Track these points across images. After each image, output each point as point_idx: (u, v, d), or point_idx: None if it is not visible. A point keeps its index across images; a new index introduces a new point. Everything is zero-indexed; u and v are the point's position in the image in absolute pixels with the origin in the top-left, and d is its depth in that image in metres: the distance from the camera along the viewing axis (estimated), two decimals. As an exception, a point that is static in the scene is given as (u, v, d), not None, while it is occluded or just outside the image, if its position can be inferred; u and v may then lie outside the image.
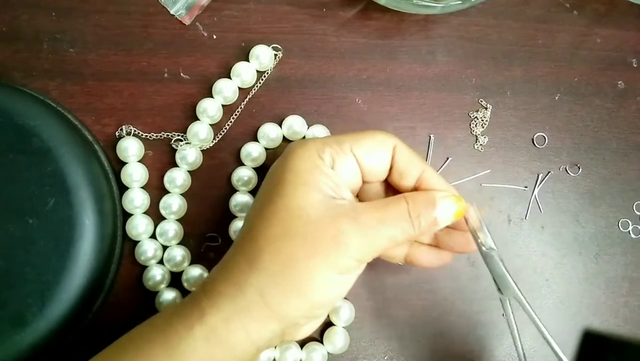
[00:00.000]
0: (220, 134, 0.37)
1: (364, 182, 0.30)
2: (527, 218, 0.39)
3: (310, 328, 0.30)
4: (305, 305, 0.25)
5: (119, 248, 0.34)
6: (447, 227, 0.29)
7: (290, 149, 0.28)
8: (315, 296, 0.25)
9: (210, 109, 0.36)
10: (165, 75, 0.37)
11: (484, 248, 0.29)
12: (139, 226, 0.34)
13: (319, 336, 0.36)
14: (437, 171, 0.38)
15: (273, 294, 0.25)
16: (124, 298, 0.35)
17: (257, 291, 0.25)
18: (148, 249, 0.34)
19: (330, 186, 0.26)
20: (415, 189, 0.29)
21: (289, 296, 0.25)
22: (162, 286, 0.35)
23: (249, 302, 0.25)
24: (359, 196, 0.31)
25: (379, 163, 0.28)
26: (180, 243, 0.36)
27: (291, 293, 0.25)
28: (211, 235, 0.36)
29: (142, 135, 0.36)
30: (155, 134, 0.36)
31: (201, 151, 0.36)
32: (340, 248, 0.25)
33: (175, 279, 0.35)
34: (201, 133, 0.35)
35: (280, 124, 0.37)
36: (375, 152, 0.28)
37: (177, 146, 0.36)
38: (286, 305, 0.25)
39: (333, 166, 0.27)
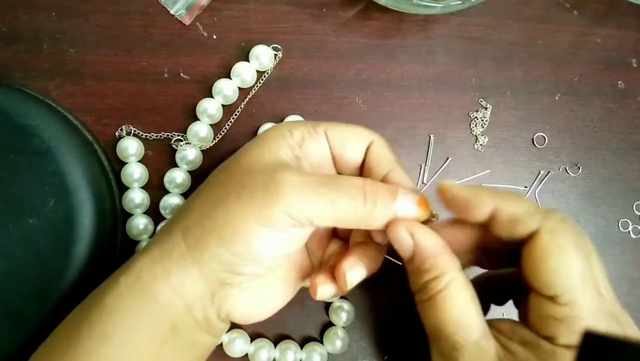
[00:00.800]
0: (220, 134, 0.37)
1: (336, 171, 0.29)
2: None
3: (248, 306, 0.27)
4: (225, 255, 0.24)
5: (118, 248, 0.34)
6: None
7: (270, 128, 0.28)
8: (235, 245, 0.23)
9: (210, 109, 0.36)
10: (165, 75, 0.37)
11: None
12: (139, 226, 0.34)
13: (318, 336, 0.36)
14: (437, 171, 0.38)
15: (195, 236, 0.24)
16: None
17: (181, 233, 0.24)
18: (148, 249, 0.34)
19: (290, 156, 0.26)
20: None
21: (208, 241, 0.24)
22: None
23: (173, 244, 0.24)
24: None
25: (352, 153, 0.28)
26: (180, 243, 0.36)
27: (210, 235, 0.24)
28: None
29: (142, 135, 0.36)
30: (155, 134, 0.36)
31: (201, 151, 0.36)
32: (269, 196, 0.23)
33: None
34: (201, 133, 0.35)
35: (280, 124, 0.37)
36: (349, 141, 0.28)
37: (177, 146, 0.36)
38: (205, 250, 0.24)
39: (302, 144, 0.27)
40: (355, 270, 0.26)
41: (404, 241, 0.25)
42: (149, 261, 0.25)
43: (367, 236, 0.28)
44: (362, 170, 0.29)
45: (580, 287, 0.22)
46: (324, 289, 0.27)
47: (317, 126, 0.28)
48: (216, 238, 0.24)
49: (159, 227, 0.35)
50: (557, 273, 0.22)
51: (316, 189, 0.24)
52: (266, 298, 0.28)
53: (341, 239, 0.31)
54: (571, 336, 0.22)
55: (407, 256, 0.26)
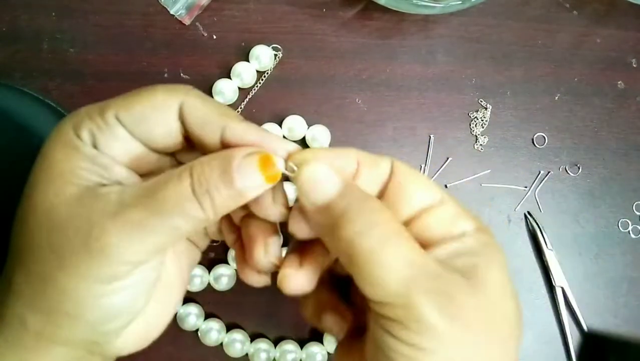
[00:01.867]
0: (220, 134, 0.37)
1: (158, 151, 0.23)
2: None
3: (135, 339, 0.23)
4: (82, 326, 0.20)
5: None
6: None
7: (51, 131, 0.22)
8: (87, 315, 0.20)
9: (210, 109, 0.36)
10: (165, 75, 0.37)
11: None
12: (139, 226, 0.34)
13: (319, 337, 0.36)
14: (437, 171, 0.38)
15: (37, 321, 0.20)
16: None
17: (19, 321, 0.21)
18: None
19: (94, 172, 0.21)
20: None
21: (56, 320, 0.20)
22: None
23: (17, 333, 0.21)
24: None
25: (159, 132, 0.22)
26: (180, 243, 0.36)
27: (56, 316, 0.20)
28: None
29: (142, 135, 0.36)
30: (155, 134, 0.36)
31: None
32: (94, 256, 0.19)
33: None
34: (201, 133, 0.35)
35: (280, 124, 0.37)
36: (149, 119, 0.21)
37: (177, 146, 0.35)
38: (58, 330, 0.20)
39: (95, 143, 0.21)
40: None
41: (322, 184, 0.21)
42: None
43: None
44: (189, 136, 0.22)
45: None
46: (254, 281, 0.24)
47: (105, 113, 0.21)
48: (62, 315, 0.20)
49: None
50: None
51: (145, 226, 0.19)
52: (152, 321, 0.24)
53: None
54: None
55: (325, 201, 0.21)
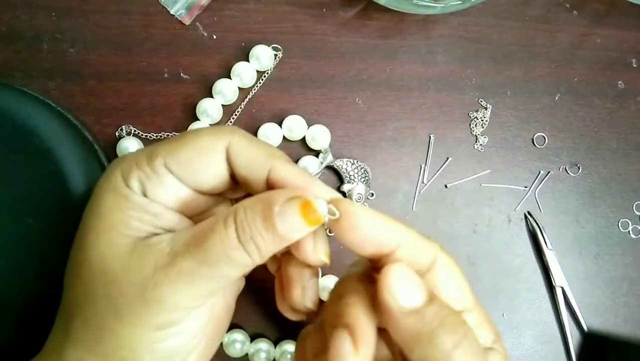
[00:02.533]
0: (220, 134, 0.37)
1: (205, 193, 0.23)
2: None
3: None
4: None
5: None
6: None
7: (101, 178, 0.23)
8: (145, 357, 0.21)
9: (210, 109, 0.36)
10: (165, 75, 0.37)
11: None
12: (139, 226, 0.34)
13: (319, 336, 0.36)
14: (437, 171, 0.38)
15: None
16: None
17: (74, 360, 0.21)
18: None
19: (145, 220, 0.21)
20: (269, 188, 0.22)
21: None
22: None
23: None
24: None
25: (207, 175, 0.22)
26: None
27: (112, 359, 0.21)
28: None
29: (142, 135, 0.36)
30: (155, 134, 0.36)
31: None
32: (150, 306, 0.20)
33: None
34: (201, 133, 0.35)
35: (280, 124, 0.37)
36: (197, 163, 0.22)
37: (177, 146, 0.36)
38: None
39: (145, 191, 0.22)
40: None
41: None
42: None
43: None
44: (236, 181, 0.23)
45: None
46: (290, 316, 0.25)
47: (153, 161, 0.21)
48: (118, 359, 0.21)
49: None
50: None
51: (197, 276, 0.20)
52: (204, 352, 0.24)
53: None
54: None
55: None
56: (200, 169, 0.22)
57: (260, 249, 0.20)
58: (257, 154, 0.22)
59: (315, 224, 0.20)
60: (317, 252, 0.22)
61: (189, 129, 0.35)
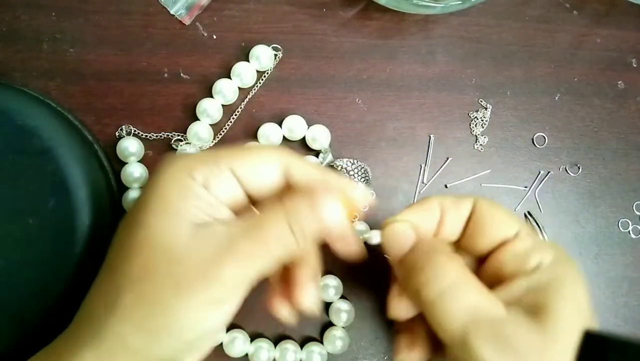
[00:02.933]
0: (220, 134, 0.37)
1: (255, 199, 0.27)
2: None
3: (196, 356, 0.26)
4: (179, 344, 0.23)
5: (119, 248, 0.34)
6: None
7: (159, 168, 0.25)
8: (189, 335, 0.23)
9: (210, 109, 0.36)
10: (165, 75, 0.37)
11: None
12: (139, 226, 0.34)
13: (318, 336, 0.36)
14: (437, 171, 0.38)
15: (140, 340, 0.23)
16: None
17: (120, 339, 0.23)
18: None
19: (203, 209, 0.24)
20: None
21: (157, 339, 0.23)
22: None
23: (111, 350, 0.23)
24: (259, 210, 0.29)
25: (264, 182, 0.26)
26: (180, 243, 0.35)
27: (159, 335, 0.23)
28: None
29: (142, 135, 0.36)
30: (155, 134, 0.36)
31: (201, 151, 0.36)
32: (210, 284, 0.22)
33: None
34: (201, 133, 0.35)
35: (280, 124, 0.37)
36: (257, 170, 0.25)
37: (177, 146, 0.36)
38: (155, 347, 0.23)
39: (207, 185, 0.24)
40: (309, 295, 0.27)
41: (402, 236, 0.26)
42: None
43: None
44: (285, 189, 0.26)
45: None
46: (283, 317, 0.28)
47: (219, 162, 0.25)
48: (166, 336, 0.23)
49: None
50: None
51: (253, 257, 0.23)
52: (212, 341, 0.28)
53: None
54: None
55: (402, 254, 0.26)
56: (260, 174, 0.25)
57: (307, 236, 0.24)
58: (314, 170, 0.26)
59: (351, 217, 0.25)
60: (357, 240, 0.27)
61: (189, 129, 0.35)
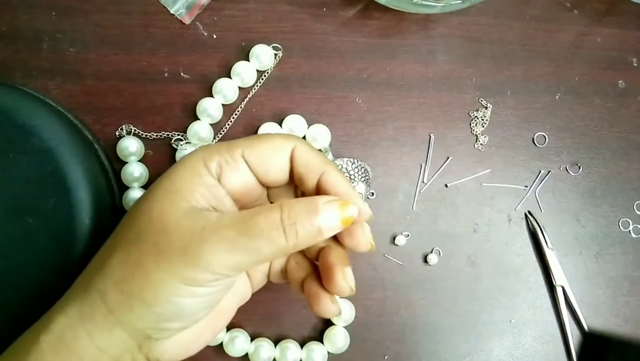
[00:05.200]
0: (220, 133, 0.37)
1: (268, 187, 0.28)
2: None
3: (178, 348, 0.26)
4: (150, 315, 0.24)
5: (119, 248, 0.34)
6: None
7: (182, 158, 0.26)
8: (159, 306, 0.23)
9: (210, 109, 0.36)
10: (165, 74, 0.37)
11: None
12: (139, 225, 0.34)
13: (318, 336, 0.36)
14: (437, 170, 0.38)
15: (115, 300, 0.24)
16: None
17: (100, 296, 0.24)
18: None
19: (207, 198, 0.25)
20: (317, 192, 0.27)
21: (131, 303, 0.23)
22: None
23: (92, 306, 0.24)
24: (270, 200, 0.30)
25: (275, 168, 0.26)
26: (181, 243, 0.35)
27: (133, 300, 0.23)
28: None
29: (142, 134, 0.36)
30: (155, 134, 0.36)
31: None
32: (188, 258, 0.23)
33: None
34: (201, 133, 0.35)
35: (280, 124, 0.37)
36: (270, 157, 0.26)
37: (177, 146, 0.36)
38: (128, 312, 0.24)
39: (220, 174, 0.25)
40: (348, 275, 0.27)
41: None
42: (69, 321, 0.24)
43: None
44: (293, 176, 0.27)
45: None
46: (330, 310, 0.27)
47: (233, 151, 0.26)
48: (138, 300, 0.23)
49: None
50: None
51: (236, 243, 0.23)
52: (197, 337, 0.27)
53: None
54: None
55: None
56: (271, 162, 0.26)
57: (299, 236, 0.23)
58: (316, 158, 0.26)
59: (347, 224, 0.25)
60: (366, 238, 0.27)
61: (189, 128, 0.35)
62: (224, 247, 0.23)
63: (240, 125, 0.37)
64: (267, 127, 0.36)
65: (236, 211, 0.27)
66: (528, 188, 0.39)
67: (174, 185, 0.25)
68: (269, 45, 0.37)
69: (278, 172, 0.27)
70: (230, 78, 0.36)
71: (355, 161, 0.36)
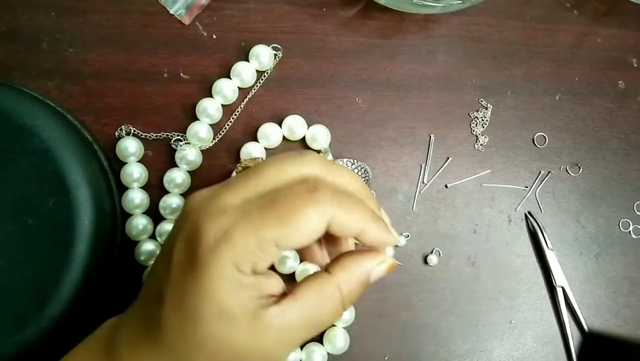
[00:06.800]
0: (220, 134, 0.37)
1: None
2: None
3: None
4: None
5: (118, 248, 0.34)
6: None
7: (200, 258, 0.23)
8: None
9: (209, 109, 0.36)
10: (165, 75, 0.37)
11: None
12: (139, 226, 0.34)
13: (318, 337, 0.36)
14: (437, 171, 0.38)
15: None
16: (123, 298, 0.35)
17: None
18: (148, 250, 0.34)
19: (254, 296, 0.23)
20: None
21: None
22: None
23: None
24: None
25: (309, 242, 0.24)
26: (180, 243, 0.35)
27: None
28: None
29: (141, 135, 0.36)
30: (154, 134, 0.36)
31: (201, 151, 0.36)
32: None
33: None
34: (201, 133, 0.35)
35: (280, 124, 0.37)
36: (305, 241, 0.23)
37: (176, 146, 0.35)
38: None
39: (256, 269, 0.23)
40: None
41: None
42: None
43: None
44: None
45: None
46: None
47: (266, 248, 0.23)
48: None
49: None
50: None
51: (307, 337, 0.24)
52: None
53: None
54: None
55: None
56: (305, 243, 0.24)
57: (352, 302, 0.25)
58: (354, 223, 0.24)
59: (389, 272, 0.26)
60: (394, 235, 0.27)
61: (188, 128, 0.35)
62: (295, 340, 0.24)
63: (240, 125, 0.37)
64: (267, 128, 0.36)
65: (280, 285, 0.25)
66: (528, 188, 0.39)
67: (220, 305, 0.23)
68: (269, 46, 0.37)
69: (309, 243, 0.25)
70: (230, 78, 0.36)
71: (355, 161, 0.36)
